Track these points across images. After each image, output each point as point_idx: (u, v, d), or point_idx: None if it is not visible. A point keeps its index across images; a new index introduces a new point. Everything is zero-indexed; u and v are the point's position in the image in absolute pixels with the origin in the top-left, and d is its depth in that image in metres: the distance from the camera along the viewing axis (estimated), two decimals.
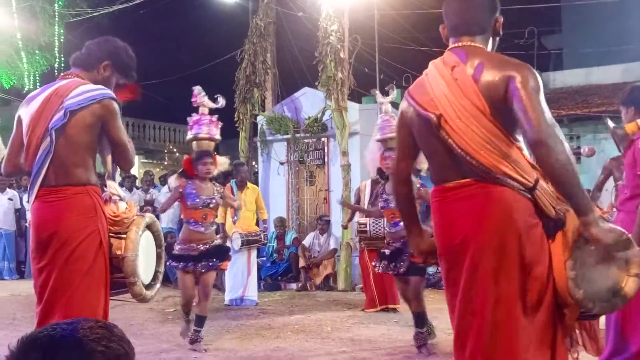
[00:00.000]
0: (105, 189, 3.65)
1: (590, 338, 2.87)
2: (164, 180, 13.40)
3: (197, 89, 6.42)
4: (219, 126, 6.34)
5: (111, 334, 1.42)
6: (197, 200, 6.01)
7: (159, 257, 3.91)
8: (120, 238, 3.55)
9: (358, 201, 8.56)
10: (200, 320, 6.03)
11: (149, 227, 3.77)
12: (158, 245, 3.91)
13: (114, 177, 3.64)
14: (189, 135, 6.36)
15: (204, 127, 6.22)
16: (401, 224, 6.01)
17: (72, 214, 3.33)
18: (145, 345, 5.95)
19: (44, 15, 14.30)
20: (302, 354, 5.81)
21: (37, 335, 1.39)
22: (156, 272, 3.87)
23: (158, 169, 20.04)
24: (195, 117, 6.30)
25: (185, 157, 6.53)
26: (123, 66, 3.61)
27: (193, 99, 6.38)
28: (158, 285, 3.87)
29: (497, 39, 2.87)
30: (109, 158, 3.55)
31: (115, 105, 3.41)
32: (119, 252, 3.51)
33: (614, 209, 6.05)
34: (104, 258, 3.39)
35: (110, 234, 3.50)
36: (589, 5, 16.05)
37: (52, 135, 3.33)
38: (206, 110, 6.34)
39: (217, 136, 6.32)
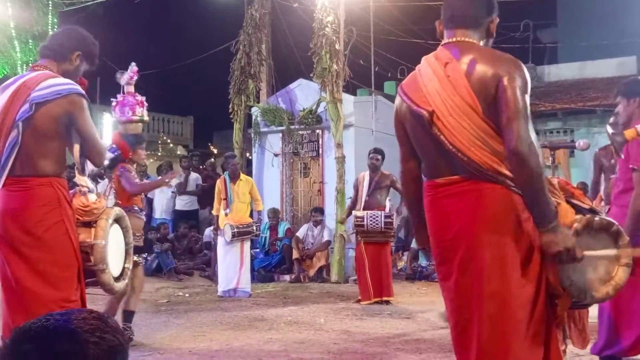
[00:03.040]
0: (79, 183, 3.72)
1: (577, 330, 2.90)
2: (158, 170, 13.37)
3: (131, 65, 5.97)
4: (145, 106, 5.93)
5: (105, 325, 1.42)
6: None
7: (127, 253, 3.97)
8: (91, 227, 3.63)
9: (357, 192, 8.57)
10: (128, 316, 5.79)
11: (118, 221, 3.84)
12: (126, 242, 3.97)
13: (83, 169, 3.68)
14: (115, 117, 5.89)
15: (137, 108, 5.82)
16: None
17: (35, 205, 3.38)
18: (139, 337, 5.95)
19: (38, 4, 14.20)
20: (295, 345, 5.82)
21: (30, 326, 1.38)
22: (124, 268, 3.92)
23: (152, 160, 19.98)
24: (119, 97, 5.83)
25: (116, 139, 5.99)
26: (91, 55, 3.67)
27: (129, 78, 5.89)
28: (126, 281, 3.94)
29: (491, 40, 2.87)
30: (77, 151, 3.58)
31: (83, 100, 3.45)
32: (88, 240, 3.59)
33: (602, 203, 6.06)
34: (72, 247, 3.43)
35: (79, 224, 3.57)
36: None
37: (19, 126, 3.37)
38: (132, 89, 5.88)
39: (145, 117, 5.97)
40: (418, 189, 2.96)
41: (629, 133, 4.27)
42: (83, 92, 3.48)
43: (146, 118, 5.98)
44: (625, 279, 2.74)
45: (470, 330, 2.63)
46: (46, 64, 3.55)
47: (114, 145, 5.70)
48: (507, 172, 2.58)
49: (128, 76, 5.89)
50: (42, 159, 3.40)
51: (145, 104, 5.90)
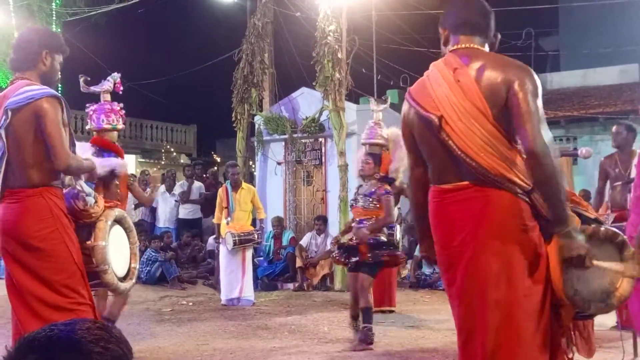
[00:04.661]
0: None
1: (583, 339, 2.89)
2: (162, 179, 13.39)
3: (115, 75, 5.77)
4: (122, 113, 5.71)
5: (109, 335, 1.42)
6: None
7: (133, 253, 3.99)
8: (91, 229, 3.68)
9: None
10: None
11: (119, 221, 3.87)
12: (131, 242, 3.99)
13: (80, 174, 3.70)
14: (89, 126, 5.71)
15: (103, 117, 5.57)
16: (365, 222, 6.20)
17: (27, 218, 3.41)
18: (142, 346, 5.94)
19: (41, 14, 14.24)
20: (299, 354, 5.81)
21: (34, 336, 1.38)
22: (130, 268, 3.95)
23: (155, 169, 20.02)
24: (94, 105, 5.66)
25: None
26: (57, 46, 3.66)
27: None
28: (133, 280, 3.97)
29: (498, 35, 2.90)
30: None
31: (53, 102, 3.43)
32: (88, 242, 3.63)
33: (609, 210, 6.04)
34: (70, 254, 3.45)
35: (80, 228, 3.61)
36: (586, 7, 16.09)
37: (2, 135, 3.41)
38: (108, 97, 5.71)
39: (120, 125, 5.70)
40: (425, 195, 2.91)
41: None
42: (57, 94, 3.48)
43: (120, 126, 5.70)
44: (629, 291, 2.73)
45: (475, 338, 2.62)
46: (23, 75, 3.57)
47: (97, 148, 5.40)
48: (514, 179, 2.57)
49: (108, 86, 5.73)
50: (30, 169, 3.42)
51: (122, 112, 5.74)
